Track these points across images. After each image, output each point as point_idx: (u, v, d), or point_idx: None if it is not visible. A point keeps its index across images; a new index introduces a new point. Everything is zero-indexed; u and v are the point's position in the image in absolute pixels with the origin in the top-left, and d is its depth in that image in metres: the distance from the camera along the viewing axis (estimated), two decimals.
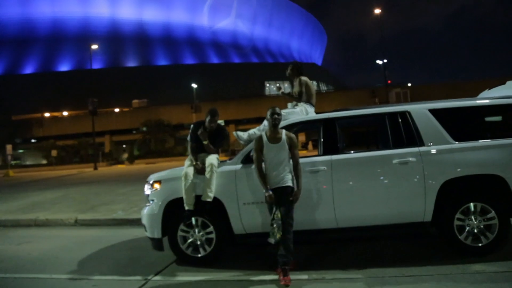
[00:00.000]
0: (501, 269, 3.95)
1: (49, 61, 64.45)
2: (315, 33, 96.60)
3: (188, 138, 4.95)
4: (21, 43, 64.57)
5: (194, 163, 4.67)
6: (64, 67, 64.09)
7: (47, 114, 56.24)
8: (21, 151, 55.38)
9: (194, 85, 53.07)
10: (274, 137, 4.20)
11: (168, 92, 59.00)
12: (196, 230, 4.64)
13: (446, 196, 4.30)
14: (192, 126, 4.99)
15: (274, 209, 4.05)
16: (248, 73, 67.55)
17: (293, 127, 4.80)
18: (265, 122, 4.91)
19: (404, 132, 4.47)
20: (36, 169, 42.15)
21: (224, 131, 5.01)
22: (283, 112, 4.93)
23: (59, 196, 12.45)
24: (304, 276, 4.09)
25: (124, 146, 56.03)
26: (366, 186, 4.40)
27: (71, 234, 7.35)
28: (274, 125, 4.19)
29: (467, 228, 4.31)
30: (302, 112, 4.98)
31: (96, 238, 6.71)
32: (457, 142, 4.38)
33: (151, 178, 4.99)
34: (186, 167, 4.66)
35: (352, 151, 4.59)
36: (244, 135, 4.93)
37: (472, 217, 4.30)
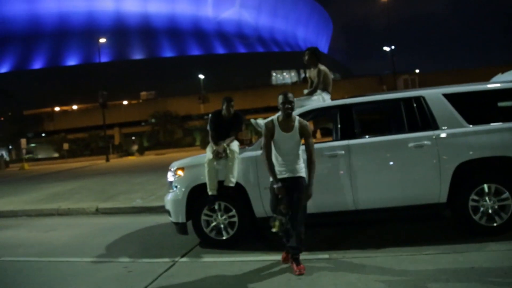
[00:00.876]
0: None
1: (56, 56, 64.88)
2: (321, 21, 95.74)
3: (208, 127, 5.14)
4: (29, 39, 65.04)
5: (215, 149, 4.84)
6: (71, 61, 64.52)
7: (57, 108, 56.82)
8: (33, 145, 56.10)
9: (201, 76, 53.19)
10: (286, 125, 3.93)
11: (175, 83, 59.14)
12: (219, 214, 4.84)
13: (461, 178, 4.43)
14: (210, 115, 5.19)
15: (280, 201, 3.86)
16: (254, 63, 67.37)
17: (310, 114, 4.94)
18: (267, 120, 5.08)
19: (419, 117, 4.59)
20: (49, 162, 42.85)
21: (240, 117, 5.19)
22: (300, 99, 5.08)
23: (77, 186, 12.76)
24: (325, 256, 4.28)
25: (133, 138, 56.44)
26: (382, 169, 4.56)
27: (94, 222, 7.64)
28: (287, 114, 3.90)
29: (482, 208, 4.44)
30: (319, 100, 5.11)
31: (118, 225, 6.96)
32: (471, 126, 4.50)
33: (174, 165, 5.19)
34: (209, 154, 4.85)
35: (368, 136, 4.74)
36: (262, 122, 5.09)
37: (487, 198, 4.43)
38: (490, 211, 4.43)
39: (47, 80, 57.42)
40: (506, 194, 4.38)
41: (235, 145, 4.90)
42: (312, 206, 4.43)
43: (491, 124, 4.51)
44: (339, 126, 4.74)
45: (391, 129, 5.44)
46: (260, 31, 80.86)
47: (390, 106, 5.14)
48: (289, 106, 3.88)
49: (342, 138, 4.65)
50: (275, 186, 3.87)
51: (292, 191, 3.87)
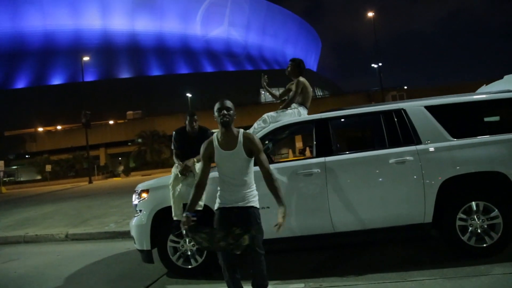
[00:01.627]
0: (509, 270, 3.75)
1: (41, 74, 64.13)
2: (309, 39, 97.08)
3: (172, 146, 4.79)
4: (13, 57, 64.25)
5: (179, 167, 4.46)
6: (57, 80, 63.80)
7: (40, 129, 55.77)
8: (14, 167, 54.75)
9: (189, 95, 52.92)
10: (227, 140, 3.11)
11: (163, 102, 58.78)
12: (187, 240, 4.42)
13: (447, 196, 4.12)
14: (174, 133, 4.84)
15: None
16: (243, 81, 67.46)
17: (284, 130, 4.62)
18: (255, 125, 4.73)
19: (400, 131, 4.28)
20: (30, 185, 41.64)
21: (207, 132, 4.77)
22: (272, 114, 4.74)
23: (51, 211, 12.14)
24: (300, 285, 3.87)
25: (120, 158, 55.60)
26: (362, 187, 4.20)
27: (61, 249, 7.09)
28: (224, 123, 3.07)
29: (470, 228, 4.11)
30: (294, 113, 4.77)
31: (86, 253, 6.47)
32: (455, 139, 4.21)
33: (139, 187, 4.78)
34: (173, 176, 4.46)
35: (346, 152, 4.40)
36: None
37: (475, 216, 4.12)
38: (479, 230, 4.11)
39: (30, 100, 56.57)
40: (496, 212, 4.07)
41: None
42: (286, 229, 4.05)
43: (477, 137, 4.22)
44: (314, 142, 4.40)
45: (370, 145, 5.12)
46: (249, 49, 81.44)
47: (369, 120, 4.82)
48: (226, 113, 3.08)
49: (318, 155, 4.30)
50: (184, 214, 3.08)
51: (241, 219, 3.06)
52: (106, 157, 54.89)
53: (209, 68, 74.99)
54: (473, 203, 4.11)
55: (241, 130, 3.20)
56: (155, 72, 69.96)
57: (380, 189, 4.18)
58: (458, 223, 4.11)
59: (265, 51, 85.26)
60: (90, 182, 31.88)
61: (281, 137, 5.48)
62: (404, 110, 4.34)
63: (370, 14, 34.10)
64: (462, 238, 4.10)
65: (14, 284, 5.03)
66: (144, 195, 4.62)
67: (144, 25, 71.79)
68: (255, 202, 3.14)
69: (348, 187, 4.21)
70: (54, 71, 64.96)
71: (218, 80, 67.41)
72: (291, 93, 4.92)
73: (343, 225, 4.18)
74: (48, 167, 39.75)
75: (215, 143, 3.16)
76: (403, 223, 4.16)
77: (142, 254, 4.58)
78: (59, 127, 56.28)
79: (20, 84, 63.40)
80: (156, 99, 60.57)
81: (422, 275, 3.83)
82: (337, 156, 4.29)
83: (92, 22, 68.32)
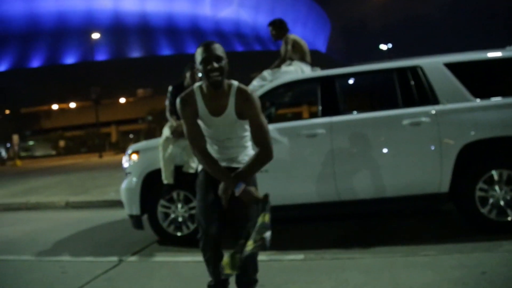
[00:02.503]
0: None
1: (54, 54, 64.43)
2: (319, 21, 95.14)
3: (167, 102, 4.40)
4: (27, 37, 64.64)
5: (174, 125, 4.10)
6: (69, 60, 64.07)
7: (54, 106, 56.24)
8: (31, 142, 55.68)
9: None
10: (215, 102, 2.23)
11: (172, 81, 58.00)
12: (179, 206, 4.10)
13: (466, 163, 3.66)
14: (170, 87, 4.44)
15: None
16: (251, 61, 66.40)
17: (286, 89, 4.21)
18: (254, 82, 4.33)
19: (415, 90, 3.81)
20: (45, 160, 42.22)
21: None
22: (272, 71, 4.33)
23: (57, 181, 12.12)
24: (299, 256, 3.52)
25: (130, 135, 55.90)
26: (371, 151, 3.78)
27: (59, 216, 6.94)
28: (214, 83, 2.15)
29: (491, 200, 3.66)
30: (297, 71, 4.36)
31: (82, 220, 6.26)
32: (478, 100, 3.74)
33: (130, 148, 4.45)
34: (164, 135, 4.11)
35: (355, 112, 3.97)
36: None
37: (497, 187, 3.65)
38: (501, 203, 3.65)
39: (45, 79, 56.91)
40: None
41: None
42: (285, 196, 3.69)
43: (503, 98, 3.74)
44: (319, 101, 3.97)
45: (382, 105, 4.67)
46: (257, 30, 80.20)
47: (381, 78, 4.33)
48: (217, 66, 2.12)
49: (324, 115, 3.88)
50: (236, 189, 2.15)
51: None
52: (117, 134, 55.25)
53: None
54: (495, 172, 3.65)
55: (235, 83, 2.26)
56: (165, 51, 69.57)
57: (392, 153, 3.76)
58: (478, 193, 3.65)
59: None
60: (100, 156, 32.10)
61: (282, 99, 5.07)
62: (421, 67, 3.85)
63: None
64: (482, 211, 3.66)
65: (5, 246, 4.86)
66: (134, 157, 4.29)
67: (154, 6, 71.17)
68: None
69: (355, 151, 3.80)
70: (67, 50, 65.15)
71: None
72: (282, 51, 4.54)
73: (349, 193, 3.79)
74: (62, 143, 40.23)
75: (199, 102, 2.25)
76: (416, 193, 3.73)
77: (131, 219, 4.29)
78: (72, 105, 56.65)
79: (35, 63, 63.78)
80: (166, 77, 59.91)
81: (434, 249, 3.42)
82: (345, 116, 3.86)
83: (104, 2, 67.93)
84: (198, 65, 2.17)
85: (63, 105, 56.87)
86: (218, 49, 2.16)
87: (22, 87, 54.78)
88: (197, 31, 73.87)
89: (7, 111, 49.00)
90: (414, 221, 4.49)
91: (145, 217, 4.25)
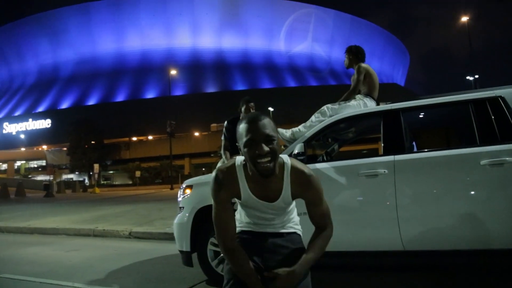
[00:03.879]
0: None
1: (137, 89, 69.89)
2: (397, 53, 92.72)
3: (222, 137, 4.32)
4: (114, 74, 71.28)
5: (225, 162, 4.00)
6: (149, 94, 68.95)
7: (134, 138, 60.48)
8: (111, 172, 60.11)
9: (271, 109, 53.35)
10: (262, 185, 1.78)
11: (229, 118, 60.03)
12: None
13: None
14: (225, 122, 4.37)
15: None
16: (325, 96, 65.77)
17: (345, 124, 3.92)
18: (313, 118, 4.11)
19: (496, 124, 3.33)
20: (122, 188, 45.16)
21: None
22: (333, 106, 4.08)
23: (126, 210, 12.66)
24: None
25: (203, 169, 57.80)
26: (442, 195, 3.31)
27: (120, 245, 7.13)
28: (265, 172, 1.70)
29: None
30: (359, 105, 4.07)
31: (141, 251, 6.36)
32: None
33: (185, 183, 4.42)
34: None
35: (423, 150, 3.55)
36: (286, 132, 4.15)
37: None
38: None
39: (126, 112, 61.62)
40: None
41: None
42: (341, 242, 3.34)
43: None
44: (382, 138, 3.62)
45: (455, 142, 4.15)
46: (332, 64, 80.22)
47: (454, 111, 3.87)
48: (267, 150, 1.66)
49: (386, 153, 3.52)
50: None
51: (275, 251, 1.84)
52: (190, 167, 57.41)
53: (292, 83, 75.23)
54: None
55: (287, 162, 1.79)
56: (240, 87, 72.09)
57: (467, 198, 3.26)
58: None
59: None
60: (172, 188, 33.38)
61: (342, 134, 4.76)
62: (502, 98, 3.37)
63: (464, 19, 31.09)
64: None
65: (63, 271, 5.05)
66: (188, 191, 4.24)
67: (230, 42, 74.87)
68: (298, 228, 1.97)
69: (423, 194, 3.35)
70: (148, 86, 70.41)
71: (300, 94, 67.04)
72: (353, 84, 4.23)
73: (415, 242, 3.32)
74: (138, 173, 42.68)
75: (242, 185, 1.80)
76: (500, 247, 3.16)
77: (182, 255, 4.19)
78: (150, 137, 60.52)
79: (119, 98, 69.70)
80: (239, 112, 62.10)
81: None
82: (411, 154, 3.47)
83: (183, 41, 73.15)
84: (242, 146, 1.70)
85: (142, 137, 60.97)
86: (268, 126, 1.69)
87: (107, 119, 59.88)
88: (271, 66, 75.99)
89: (93, 142, 53.81)
90: (494, 280, 3.82)
91: (195, 254, 4.13)
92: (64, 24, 74.25)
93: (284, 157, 1.82)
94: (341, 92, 4.68)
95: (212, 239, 3.94)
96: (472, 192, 3.25)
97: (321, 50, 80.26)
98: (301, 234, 1.96)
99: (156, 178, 51.63)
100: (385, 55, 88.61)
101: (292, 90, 70.61)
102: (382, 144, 3.56)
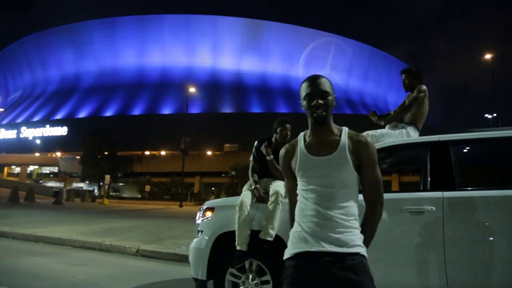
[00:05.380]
0: None
1: (154, 104, 70.61)
2: None
3: (251, 158, 4.04)
4: (134, 88, 72.34)
5: (253, 187, 3.70)
6: (166, 110, 69.57)
7: (146, 152, 60.65)
8: (121, 184, 60.07)
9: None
10: (319, 141, 1.87)
11: (260, 138, 59.98)
12: (250, 277, 3.56)
13: None
14: (256, 143, 4.09)
15: None
16: (341, 123, 65.64)
17: (386, 153, 3.59)
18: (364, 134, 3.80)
19: None
20: (130, 202, 44.89)
21: None
22: (373, 133, 3.77)
23: (135, 225, 12.35)
24: None
25: (213, 188, 57.41)
26: (496, 238, 2.94)
27: (126, 263, 6.78)
28: (319, 119, 1.84)
29: None
30: (402, 134, 3.75)
31: (148, 271, 6.01)
32: None
33: (205, 204, 4.12)
34: (244, 194, 3.70)
35: (475, 188, 3.20)
36: None
37: None
38: None
39: (142, 126, 62.08)
40: None
41: (280, 185, 3.68)
42: (381, 284, 2.97)
43: None
44: (429, 171, 3.29)
45: (508, 180, 3.77)
46: (349, 93, 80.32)
47: (508, 147, 3.51)
48: (322, 102, 1.83)
49: (433, 188, 3.18)
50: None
51: (336, 274, 1.65)
52: (200, 185, 57.09)
53: None
54: None
55: (345, 128, 1.92)
56: (256, 109, 72.36)
57: None
58: None
59: (366, 96, 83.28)
60: (181, 206, 33.05)
61: (384, 166, 4.43)
62: None
63: (487, 57, 30.71)
64: None
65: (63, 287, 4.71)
66: (209, 214, 3.93)
67: (249, 65, 75.70)
68: (361, 247, 1.75)
69: (474, 236, 2.99)
70: (166, 102, 71.13)
71: None
72: (407, 100, 3.90)
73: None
74: (148, 188, 42.48)
75: (300, 143, 1.90)
76: None
77: (196, 283, 3.84)
78: (162, 152, 60.62)
79: (136, 111, 70.46)
80: (254, 134, 61.70)
81: None
82: (462, 191, 3.11)
83: (203, 60, 74.27)
84: (302, 101, 1.91)
85: (154, 152, 61.09)
86: (325, 84, 1.89)
87: (122, 132, 60.38)
88: (288, 91, 76.30)
89: (106, 153, 54.07)
90: None
91: (210, 282, 3.78)
92: (88, 37, 76.23)
93: (344, 128, 1.93)
94: (357, 121, 4.35)
95: (232, 269, 3.60)
96: None
97: (339, 79, 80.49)
98: (365, 254, 1.75)
99: (165, 194, 51.34)
100: (402, 88, 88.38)
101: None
102: (429, 178, 3.21)
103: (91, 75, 76.31)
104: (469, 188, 3.17)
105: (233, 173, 49.96)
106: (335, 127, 1.91)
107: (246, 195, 3.68)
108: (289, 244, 1.82)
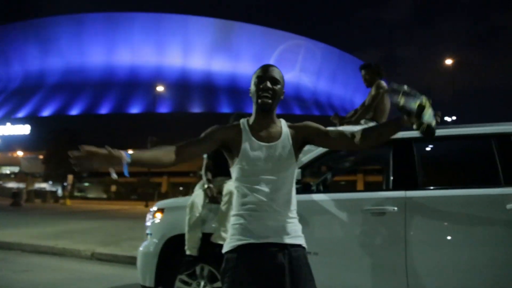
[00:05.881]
0: None
1: (122, 103, 68.94)
2: None
3: (205, 155, 3.75)
4: (101, 86, 70.32)
5: (206, 187, 3.43)
6: (135, 109, 68.04)
7: None
8: (86, 184, 58.17)
9: None
10: (263, 127, 1.84)
11: None
12: (202, 283, 3.28)
13: None
14: None
15: None
16: None
17: (347, 153, 3.41)
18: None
19: None
20: (95, 202, 43.49)
21: None
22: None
23: (94, 227, 11.81)
24: None
25: (181, 188, 56.55)
26: (460, 241, 2.81)
27: (79, 268, 6.36)
28: (264, 105, 1.80)
29: None
30: None
31: (100, 277, 5.64)
32: None
33: (156, 205, 3.81)
34: (195, 194, 3.42)
35: (438, 187, 3.05)
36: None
37: None
38: None
39: (109, 125, 60.42)
40: None
41: (232, 184, 3.41)
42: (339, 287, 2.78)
43: None
44: (391, 170, 3.12)
45: (474, 180, 3.67)
46: (317, 95, 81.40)
47: (474, 145, 3.39)
48: (270, 87, 1.79)
49: (396, 188, 3.01)
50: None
51: (279, 266, 1.64)
52: (168, 185, 56.10)
53: (277, 110, 75.61)
54: None
55: (283, 120, 1.92)
56: (226, 109, 71.96)
57: (487, 246, 2.76)
58: None
59: (333, 98, 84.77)
60: (146, 205, 32.26)
61: (341, 164, 4.25)
62: None
63: (448, 62, 31.97)
64: None
65: None
66: (158, 215, 3.62)
67: (219, 66, 75.36)
68: (303, 238, 1.76)
69: (438, 238, 2.84)
70: (134, 101, 69.58)
71: (285, 121, 67.37)
72: (368, 99, 3.75)
73: None
74: (113, 188, 41.20)
75: (245, 127, 1.83)
76: None
77: None
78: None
79: (104, 110, 68.45)
80: None
81: None
82: (425, 191, 2.96)
83: (173, 59, 73.22)
84: (251, 86, 1.87)
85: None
86: (277, 73, 1.88)
87: (89, 131, 58.46)
88: None
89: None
90: None
91: None
92: (55, 33, 73.48)
93: (282, 120, 1.95)
94: (324, 122, 4.19)
95: (183, 277, 3.31)
96: (497, 240, 2.75)
97: (308, 81, 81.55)
98: (305, 246, 1.77)
99: (132, 194, 50.09)
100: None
101: (277, 117, 70.95)
102: (392, 177, 3.05)
103: (57, 73, 73.45)
104: (432, 188, 3.02)
105: (201, 172, 49.44)
106: (276, 119, 1.92)
107: (198, 195, 3.40)
108: (229, 236, 1.77)
